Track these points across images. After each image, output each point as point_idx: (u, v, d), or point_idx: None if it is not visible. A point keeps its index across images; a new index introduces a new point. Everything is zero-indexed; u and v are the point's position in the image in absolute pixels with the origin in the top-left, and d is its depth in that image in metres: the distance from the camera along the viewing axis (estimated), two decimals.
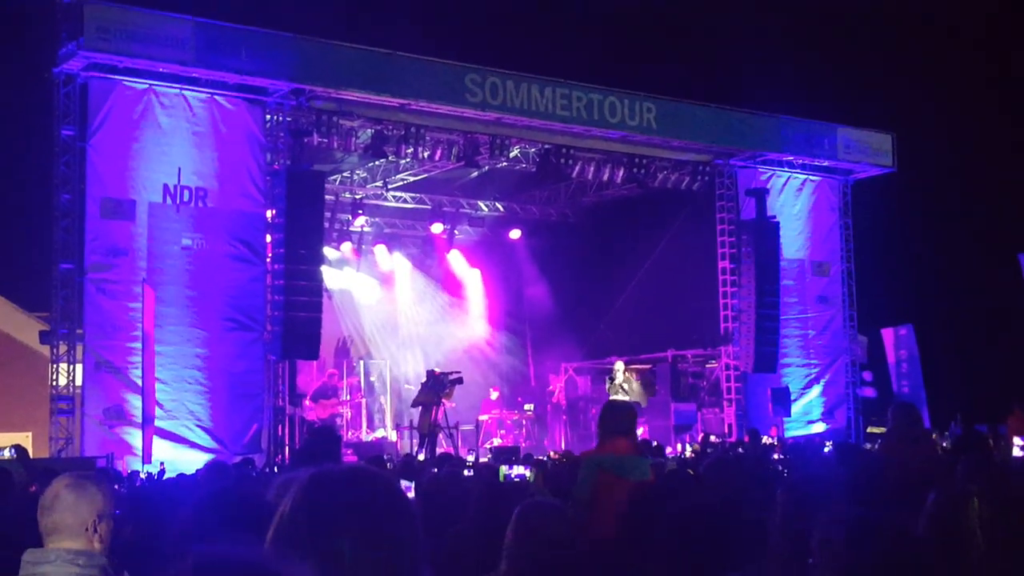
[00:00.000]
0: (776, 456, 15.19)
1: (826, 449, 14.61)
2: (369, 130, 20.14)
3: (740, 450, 16.62)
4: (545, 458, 14.11)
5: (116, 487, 11.74)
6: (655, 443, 16.06)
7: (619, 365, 22.52)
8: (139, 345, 16.85)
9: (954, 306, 25.98)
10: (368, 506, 2.14)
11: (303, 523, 2.14)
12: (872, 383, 25.62)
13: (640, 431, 17.01)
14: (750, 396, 23.48)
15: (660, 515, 4.42)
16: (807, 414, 24.03)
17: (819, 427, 23.84)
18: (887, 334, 25.49)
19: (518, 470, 9.57)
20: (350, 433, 22.71)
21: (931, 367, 24.73)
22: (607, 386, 22.38)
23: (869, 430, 23.26)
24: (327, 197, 20.64)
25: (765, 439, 20.22)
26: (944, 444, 14.16)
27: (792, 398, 23.61)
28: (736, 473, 6.67)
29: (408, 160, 22.20)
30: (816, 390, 24.38)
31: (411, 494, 8.64)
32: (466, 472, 9.87)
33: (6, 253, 24.87)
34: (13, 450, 13.78)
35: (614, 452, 7.25)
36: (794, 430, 23.10)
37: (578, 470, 7.52)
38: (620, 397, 21.56)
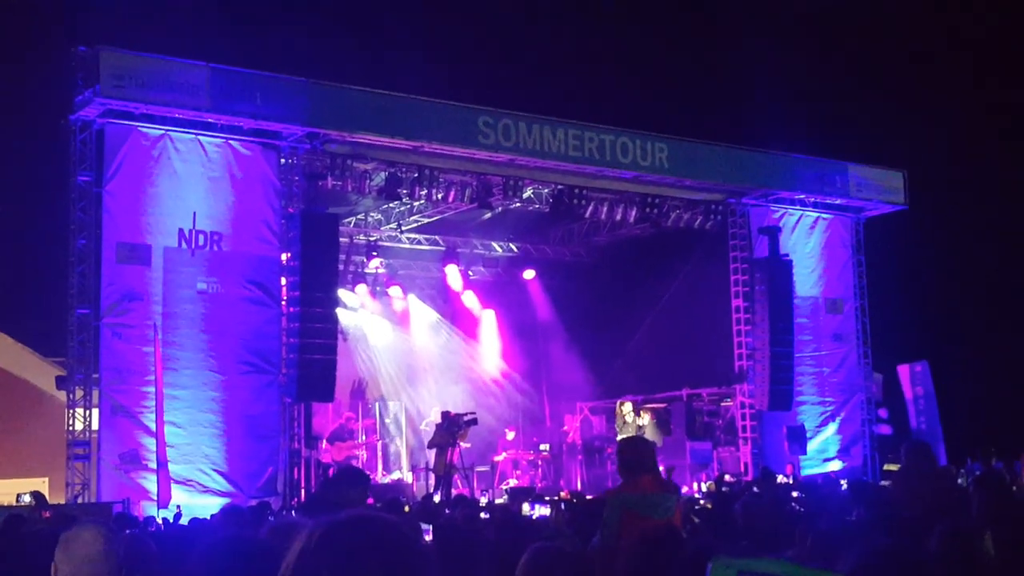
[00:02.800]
0: (794, 495, 15.12)
1: (842, 487, 14.56)
2: (383, 173, 20.26)
3: (755, 489, 16.53)
4: (557, 498, 14.10)
5: (128, 532, 11.79)
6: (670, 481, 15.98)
7: (627, 406, 22.53)
8: (153, 389, 16.90)
9: (968, 342, 25.91)
10: (382, 561, 2.06)
11: None
12: (888, 420, 25.50)
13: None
14: (766, 434, 23.38)
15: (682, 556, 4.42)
16: (823, 452, 23.91)
17: (835, 465, 23.72)
18: (903, 371, 25.39)
19: (541, 511, 9.48)
20: None
21: (947, 403, 24.63)
22: (618, 426, 22.34)
23: (886, 467, 23.13)
24: (341, 239, 20.73)
25: (780, 478, 20.12)
26: (960, 481, 14.08)
27: (808, 436, 23.50)
28: (769, 515, 6.65)
29: (422, 202, 22.29)
30: (832, 428, 24.27)
31: (429, 537, 8.63)
32: (482, 515, 9.85)
33: (23, 298, 25.03)
34: (32, 496, 13.83)
35: (637, 490, 7.19)
36: (810, 468, 22.98)
37: (602, 510, 7.45)
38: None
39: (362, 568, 2.05)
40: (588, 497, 17.51)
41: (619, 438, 22.14)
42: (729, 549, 4.33)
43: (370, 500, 17.20)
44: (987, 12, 26.94)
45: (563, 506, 10.95)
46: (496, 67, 27.80)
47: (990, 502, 6.45)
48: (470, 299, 26.89)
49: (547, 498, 14.27)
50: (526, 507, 9.32)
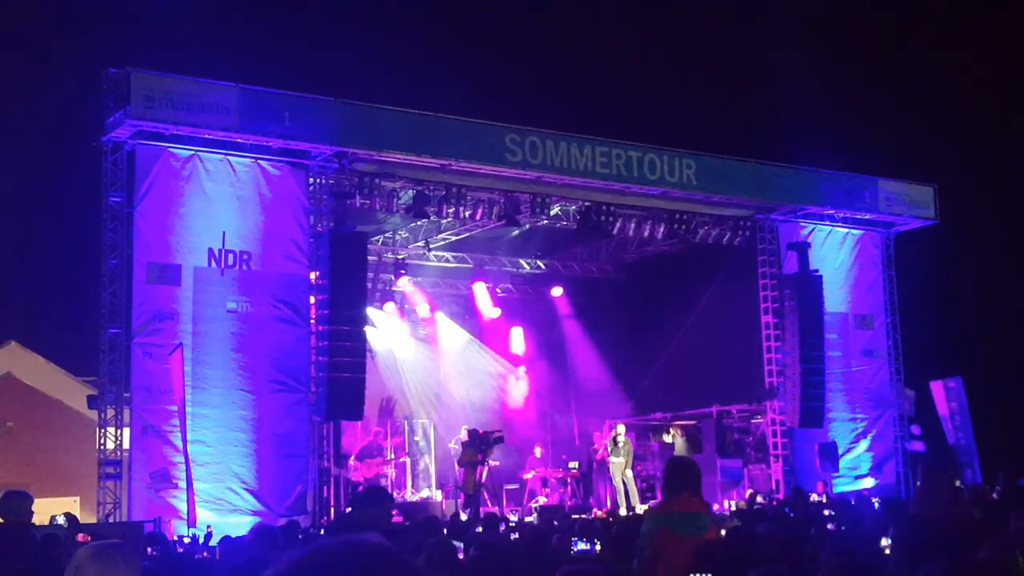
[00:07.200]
0: (827, 512, 14.98)
1: (875, 505, 14.41)
2: (411, 191, 20.30)
3: (786, 509, 16.38)
4: (595, 518, 14.05)
5: (150, 550, 11.81)
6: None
7: (620, 428, 22.50)
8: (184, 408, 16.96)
9: (1002, 357, 25.67)
10: None
11: None
12: (921, 436, 25.27)
13: None
14: (797, 451, 23.21)
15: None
16: (855, 469, 23.71)
17: (868, 482, 23.51)
18: (936, 387, 25.17)
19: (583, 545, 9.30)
20: (395, 493, 22.65)
21: (983, 418, 24.40)
22: (609, 447, 22.27)
23: (918, 484, 22.89)
24: (370, 258, 20.79)
25: (813, 496, 19.94)
26: (994, 495, 13.92)
27: (840, 453, 23.31)
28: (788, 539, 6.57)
29: (449, 220, 22.33)
30: (864, 444, 24.07)
31: (461, 555, 8.62)
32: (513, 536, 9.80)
33: (55, 318, 25.22)
34: (64, 517, 13.87)
35: (674, 509, 7.25)
36: (842, 485, 22.79)
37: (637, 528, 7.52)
38: (619, 459, 21.65)
39: None
40: (623, 514, 17.44)
41: (611, 459, 22.11)
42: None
43: (398, 518, 17.24)
44: (1019, 24, 26.79)
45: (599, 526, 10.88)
46: (523, 85, 27.85)
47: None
48: (498, 316, 26.87)
49: (583, 517, 14.20)
50: (583, 545, 9.12)
